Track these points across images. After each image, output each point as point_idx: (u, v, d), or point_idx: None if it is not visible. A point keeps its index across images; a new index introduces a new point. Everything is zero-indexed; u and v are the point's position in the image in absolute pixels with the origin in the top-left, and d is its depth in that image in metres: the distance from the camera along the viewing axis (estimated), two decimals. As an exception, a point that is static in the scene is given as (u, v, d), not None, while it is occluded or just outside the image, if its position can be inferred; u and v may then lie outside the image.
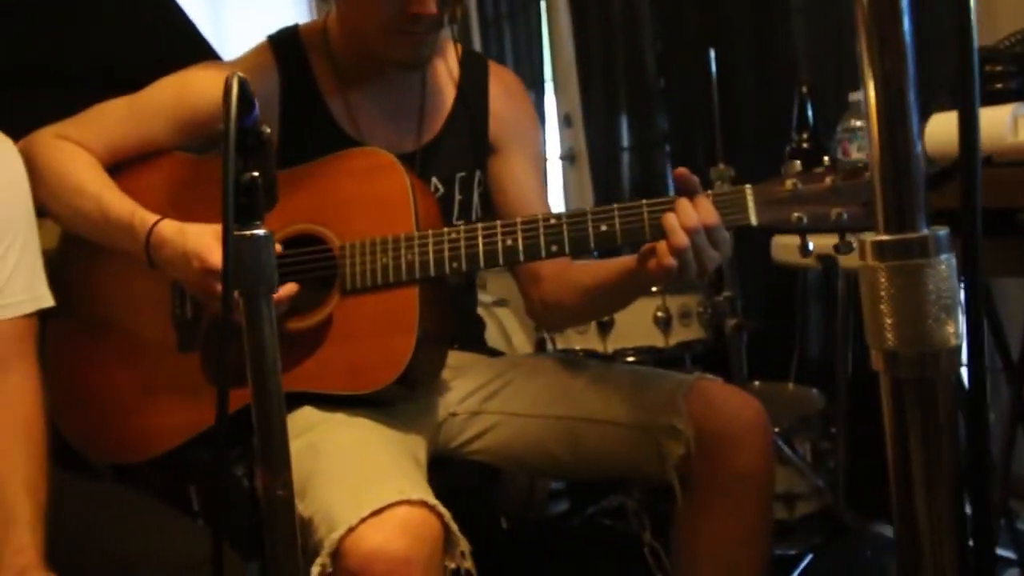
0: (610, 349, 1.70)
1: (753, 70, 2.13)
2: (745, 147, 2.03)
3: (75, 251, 1.20)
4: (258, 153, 0.65)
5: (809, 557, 1.69)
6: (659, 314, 1.66)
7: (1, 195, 1.01)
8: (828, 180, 0.93)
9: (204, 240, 1.03)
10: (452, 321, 1.18)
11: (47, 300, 1.05)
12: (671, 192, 2.35)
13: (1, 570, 0.86)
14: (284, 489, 0.65)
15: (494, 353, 1.36)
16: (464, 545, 0.90)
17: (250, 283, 0.65)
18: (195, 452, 1.21)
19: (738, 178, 1.59)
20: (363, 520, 0.84)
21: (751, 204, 0.95)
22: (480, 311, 1.43)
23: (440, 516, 0.89)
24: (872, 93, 0.41)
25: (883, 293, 0.41)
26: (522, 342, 1.81)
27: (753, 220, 0.94)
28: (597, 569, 1.79)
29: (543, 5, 2.92)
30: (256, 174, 0.65)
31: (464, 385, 1.23)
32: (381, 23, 1.07)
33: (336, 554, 0.84)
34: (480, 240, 1.03)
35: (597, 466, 1.17)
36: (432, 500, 0.89)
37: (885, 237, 0.41)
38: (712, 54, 1.72)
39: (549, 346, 1.80)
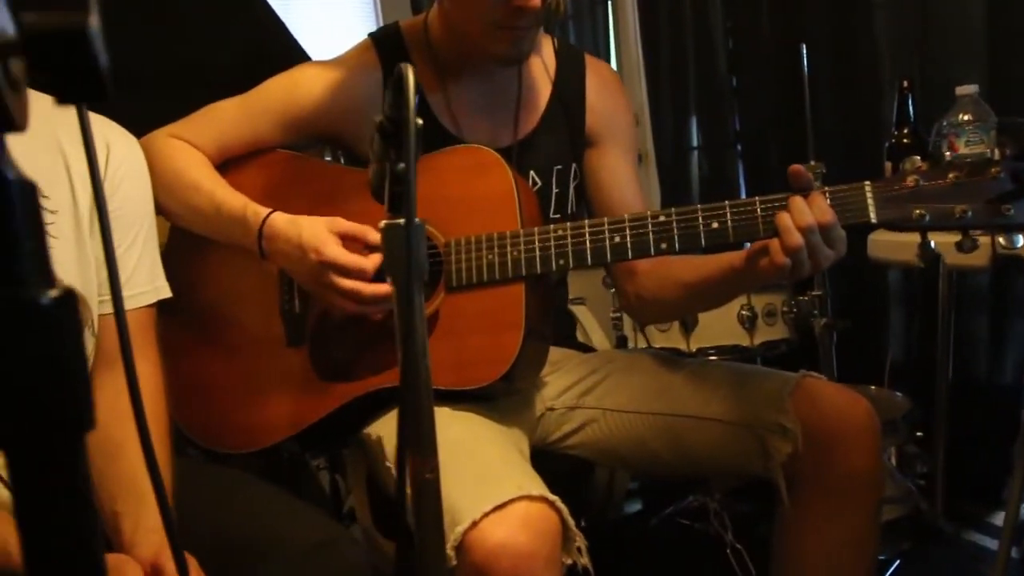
0: (693, 347, 1.69)
1: (832, 67, 2.10)
2: (826, 144, 2.00)
3: (184, 246, 1.24)
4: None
5: (897, 563, 1.66)
6: (744, 312, 1.65)
7: (128, 189, 1.05)
8: (951, 176, 0.92)
9: (319, 233, 1.05)
10: (552, 318, 1.19)
11: (166, 291, 1.09)
12: (743, 193, 2.33)
13: (136, 547, 0.89)
14: (432, 473, 0.67)
15: (585, 349, 1.37)
16: (581, 540, 0.91)
17: (401, 270, 0.66)
18: (288, 444, 1.24)
19: (828, 175, 1.57)
20: (486, 515, 0.85)
21: (871, 201, 0.93)
22: (561, 309, 1.43)
23: (559, 511, 0.89)
24: None
25: None
26: (601, 340, 1.81)
27: (873, 218, 0.93)
28: (678, 569, 1.78)
29: (609, 5, 2.92)
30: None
31: (559, 380, 1.24)
32: (484, 17, 1.07)
33: (460, 547, 0.86)
34: (587, 237, 1.04)
35: (698, 463, 1.16)
36: (551, 496, 0.89)
37: None
38: (803, 49, 1.69)
39: (630, 344, 1.80)
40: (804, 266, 0.94)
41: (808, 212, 0.93)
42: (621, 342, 1.83)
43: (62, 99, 0.27)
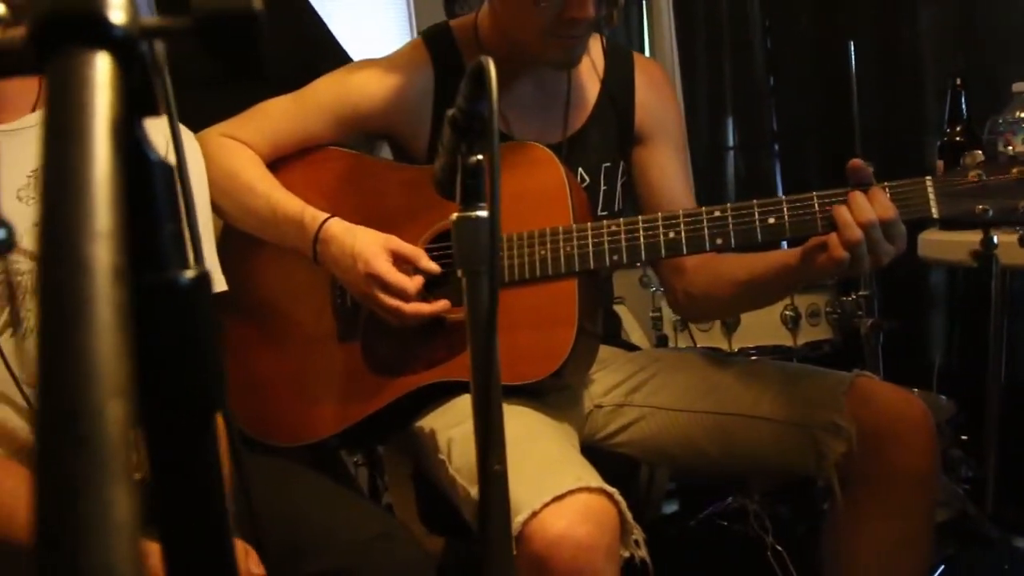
0: (735, 347, 1.68)
1: (875, 66, 2.07)
2: (867, 143, 1.98)
3: (237, 244, 1.25)
4: (482, 138, 0.67)
5: (941, 568, 1.63)
6: (787, 313, 1.63)
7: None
8: (1015, 171, 0.90)
9: (371, 246, 1.07)
10: (602, 315, 1.19)
11: (221, 284, 1.10)
12: (779, 193, 2.30)
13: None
14: (500, 464, 0.67)
15: (631, 347, 1.37)
16: (638, 533, 0.91)
17: (473, 262, 0.67)
18: (329, 439, 1.25)
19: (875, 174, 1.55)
20: (545, 505, 0.85)
21: (932, 196, 0.92)
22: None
23: (617, 504, 0.89)
24: None
25: None
26: (640, 339, 1.81)
27: (935, 213, 0.92)
28: (718, 571, 1.77)
29: (644, 4, 2.91)
30: (481, 157, 0.67)
31: (607, 378, 1.24)
32: (538, 28, 1.07)
33: (519, 537, 0.86)
34: (641, 233, 1.04)
35: (747, 462, 1.16)
36: (609, 488, 0.89)
37: None
38: (852, 47, 1.67)
39: (670, 343, 1.79)
40: (863, 262, 0.94)
41: (869, 207, 0.92)
42: (661, 341, 1.83)
43: (223, 80, 0.27)
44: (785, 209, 0.97)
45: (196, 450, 0.32)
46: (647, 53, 2.95)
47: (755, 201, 0.99)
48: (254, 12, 0.25)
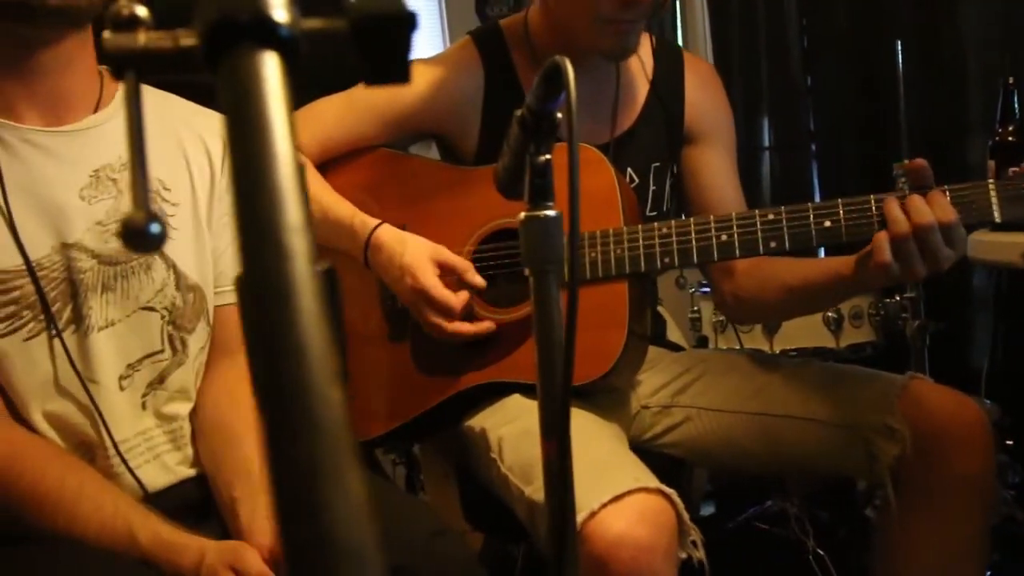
0: (776, 349, 1.67)
1: (916, 65, 2.05)
2: (912, 142, 1.96)
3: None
4: (550, 138, 0.67)
5: (988, 574, 1.60)
6: (829, 315, 1.62)
7: None
8: (1080, 172, 0.89)
9: (419, 258, 1.07)
10: (650, 316, 1.19)
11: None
12: (816, 194, 2.26)
13: (255, 534, 0.91)
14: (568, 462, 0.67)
15: (676, 348, 1.36)
16: (696, 535, 0.90)
17: (540, 261, 0.67)
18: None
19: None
20: (604, 505, 0.85)
21: (995, 200, 0.91)
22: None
23: (674, 504, 0.89)
24: None
25: None
26: (678, 341, 1.79)
27: (997, 217, 0.91)
28: (758, 574, 1.75)
29: (678, 4, 2.90)
30: (548, 157, 0.67)
31: (654, 379, 1.23)
32: (592, 12, 1.08)
33: (576, 537, 0.85)
34: (693, 235, 1.03)
35: (796, 464, 1.15)
36: (667, 488, 0.89)
37: None
38: (899, 46, 1.66)
39: (710, 345, 1.78)
40: (915, 265, 0.92)
41: (927, 210, 0.91)
42: (701, 342, 1.82)
43: (371, 81, 0.27)
44: (841, 212, 0.97)
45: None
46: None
47: (810, 204, 0.98)
48: (410, 14, 0.25)
